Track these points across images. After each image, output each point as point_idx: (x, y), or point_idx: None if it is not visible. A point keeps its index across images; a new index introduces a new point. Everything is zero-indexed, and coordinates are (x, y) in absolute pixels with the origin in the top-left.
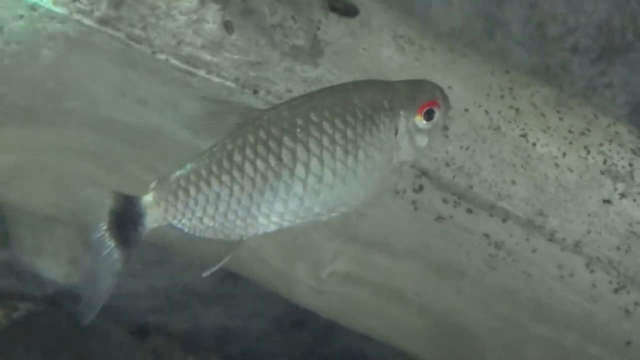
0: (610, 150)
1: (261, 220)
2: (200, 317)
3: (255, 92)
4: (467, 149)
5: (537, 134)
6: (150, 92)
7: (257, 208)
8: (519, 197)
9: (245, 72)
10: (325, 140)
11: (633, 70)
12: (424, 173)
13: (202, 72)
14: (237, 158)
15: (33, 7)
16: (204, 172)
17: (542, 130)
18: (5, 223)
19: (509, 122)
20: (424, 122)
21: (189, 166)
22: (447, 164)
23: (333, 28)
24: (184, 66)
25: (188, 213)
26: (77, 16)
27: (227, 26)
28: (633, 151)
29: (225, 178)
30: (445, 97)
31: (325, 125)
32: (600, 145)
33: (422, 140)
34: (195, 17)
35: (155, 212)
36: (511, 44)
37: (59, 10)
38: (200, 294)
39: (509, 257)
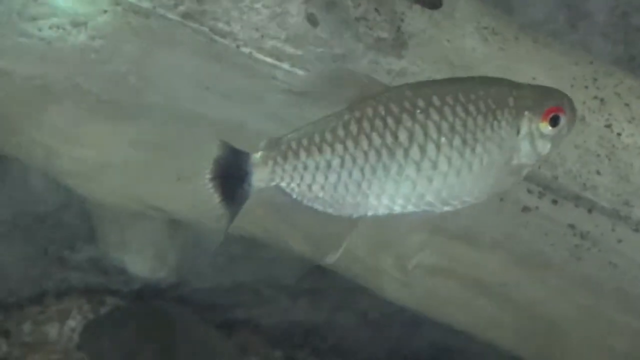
0: None
1: (372, 199)
2: (287, 311)
3: None
4: None
5: (622, 124)
6: (234, 86)
7: (368, 185)
8: (604, 188)
9: (329, 64)
10: (445, 126)
11: None
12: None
13: (286, 65)
14: (353, 129)
15: (117, 2)
16: (317, 138)
17: (627, 121)
18: (91, 219)
19: (594, 112)
20: (549, 127)
21: (302, 130)
22: None
23: (417, 20)
24: (268, 59)
25: (297, 177)
26: (161, 10)
27: (311, 19)
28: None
29: (338, 147)
30: (573, 108)
31: (447, 111)
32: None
33: (545, 147)
34: (278, 10)
35: (262, 171)
36: (594, 35)
37: (143, 4)
38: (287, 288)
39: (594, 247)
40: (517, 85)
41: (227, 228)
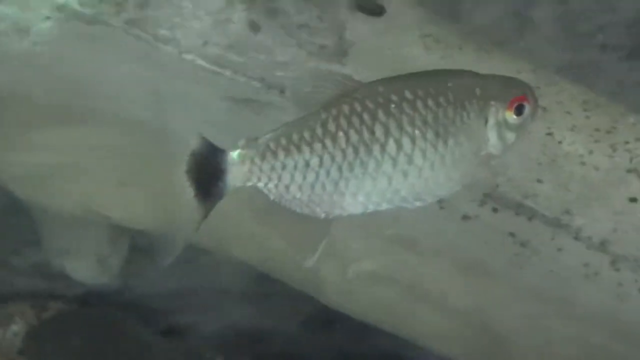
0: (637, 148)
1: (348, 198)
2: (232, 317)
3: (282, 91)
4: None
5: (563, 132)
6: (176, 92)
7: (346, 184)
8: (545, 196)
9: (271, 71)
10: (418, 120)
11: None
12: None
13: (228, 72)
14: (331, 127)
15: (60, 9)
16: (295, 137)
17: (569, 129)
18: (36, 224)
19: (536, 120)
20: (514, 116)
21: (280, 130)
22: None
23: (359, 28)
24: (211, 66)
25: (274, 177)
26: (103, 17)
27: (253, 26)
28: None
29: (316, 146)
30: (534, 96)
31: (419, 105)
32: (627, 143)
33: (510, 136)
34: (221, 17)
35: (238, 170)
36: (541, 42)
37: (86, 11)
38: (233, 293)
39: (534, 256)
40: (481, 76)
41: (198, 225)
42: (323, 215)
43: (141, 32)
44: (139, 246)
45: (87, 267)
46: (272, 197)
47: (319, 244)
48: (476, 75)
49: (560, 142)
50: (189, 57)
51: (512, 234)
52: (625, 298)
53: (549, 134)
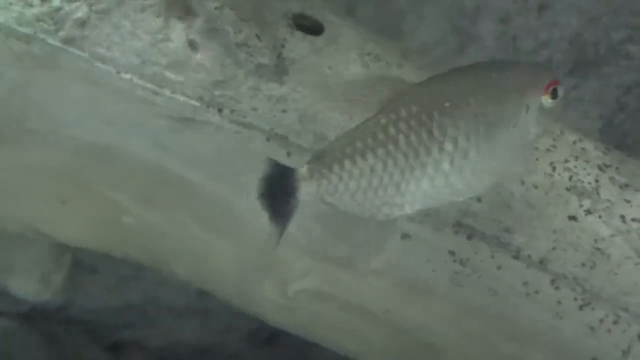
0: (576, 167)
1: (408, 198)
2: (176, 332)
3: (220, 110)
4: None
5: None
6: (115, 111)
7: (406, 185)
8: (484, 215)
9: (209, 90)
10: (470, 115)
11: (605, 84)
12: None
13: (166, 91)
14: (392, 131)
15: None
16: (359, 145)
17: None
18: None
19: None
20: (550, 100)
21: (343, 138)
22: None
23: (298, 46)
24: (149, 85)
25: (341, 187)
26: (42, 36)
27: (192, 45)
28: (599, 167)
29: (380, 151)
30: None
31: (470, 100)
32: (566, 161)
33: (546, 119)
34: (159, 36)
35: (309, 185)
36: (484, 58)
37: (24, 30)
38: (177, 309)
39: (474, 274)
40: (512, 65)
41: (276, 246)
42: (384, 217)
43: (79, 51)
44: (82, 262)
45: (30, 284)
46: (338, 206)
47: (383, 245)
48: (507, 64)
49: None
50: (127, 76)
51: (451, 252)
52: (564, 316)
53: None
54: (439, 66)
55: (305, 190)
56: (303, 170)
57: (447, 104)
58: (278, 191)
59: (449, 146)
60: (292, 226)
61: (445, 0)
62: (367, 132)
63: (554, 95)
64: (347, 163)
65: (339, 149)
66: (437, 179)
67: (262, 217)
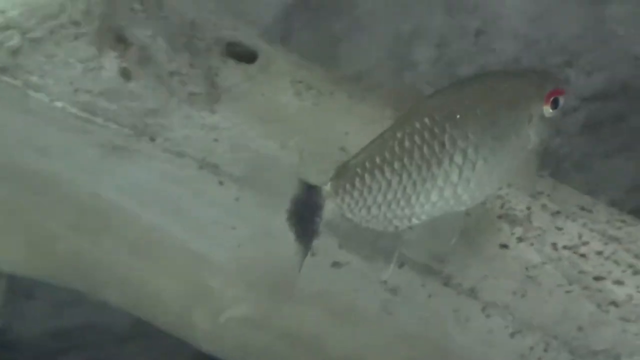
0: (508, 195)
1: (417, 210)
2: (116, 356)
3: (153, 139)
4: None
5: None
6: (48, 139)
7: (417, 197)
8: (415, 242)
9: (142, 119)
10: (479, 127)
11: None
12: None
13: (99, 120)
14: (407, 144)
15: None
16: (377, 159)
17: None
18: None
19: None
20: (550, 110)
21: (362, 154)
22: None
23: (231, 74)
24: (82, 114)
25: (362, 202)
26: None
27: (125, 73)
28: (531, 195)
29: (397, 165)
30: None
31: (479, 112)
32: (499, 189)
33: (546, 129)
34: (92, 65)
35: (333, 202)
36: (420, 84)
37: None
38: (117, 333)
39: (405, 302)
40: (516, 74)
41: (302, 265)
42: (394, 229)
43: (12, 79)
44: (17, 288)
45: None
46: (355, 221)
47: (393, 257)
48: (510, 73)
49: None
50: (59, 104)
51: (382, 281)
52: (495, 344)
53: None
54: (374, 92)
55: (330, 207)
56: (327, 187)
57: (457, 116)
58: (304, 210)
59: (458, 158)
60: (225, 254)
61: (381, 26)
62: (384, 145)
63: (555, 105)
64: (367, 177)
65: (359, 164)
66: (446, 190)
67: (195, 244)
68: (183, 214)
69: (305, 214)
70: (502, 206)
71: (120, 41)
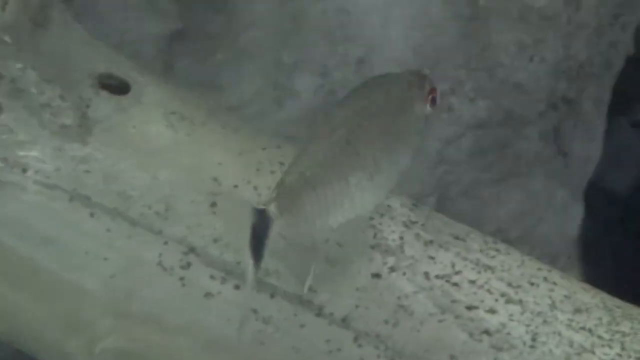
0: (381, 224)
1: (340, 218)
2: None
3: (24, 170)
4: (235, 224)
5: None
6: None
7: (341, 205)
8: (286, 273)
9: (13, 151)
10: (381, 131)
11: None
12: (191, 250)
13: None
14: (328, 156)
15: None
16: (308, 174)
17: None
18: None
19: None
20: (429, 108)
21: (293, 171)
22: (215, 240)
23: (103, 106)
24: None
25: (301, 219)
26: None
27: None
28: (404, 224)
29: (323, 178)
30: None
31: (379, 117)
32: (371, 219)
33: (427, 126)
34: None
35: (279, 222)
36: (301, 112)
37: None
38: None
39: (277, 332)
40: (402, 78)
41: (252, 285)
42: (318, 241)
43: None
44: None
45: None
46: (293, 238)
47: (310, 271)
48: (394, 75)
49: None
50: None
51: (254, 311)
52: None
53: None
54: (254, 121)
55: (276, 228)
56: (272, 207)
57: (366, 123)
58: (257, 234)
59: (370, 165)
60: (98, 285)
61: (263, 55)
62: (311, 160)
63: (433, 103)
64: (303, 194)
65: (295, 180)
66: (357, 196)
67: (69, 275)
68: (56, 245)
69: (254, 236)
70: (374, 236)
71: None
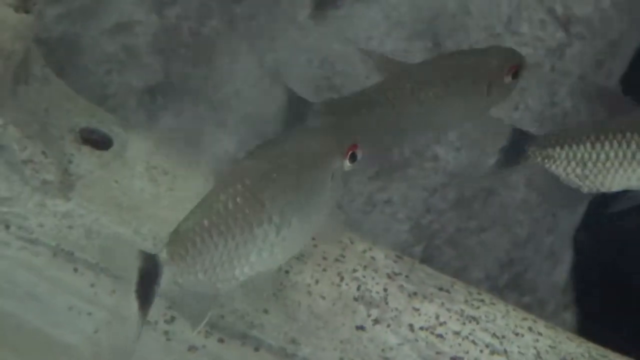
0: (364, 276)
1: (237, 270)
2: None
3: (7, 227)
4: None
5: (291, 261)
6: None
7: (239, 258)
8: (271, 326)
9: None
10: (292, 185)
11: (411, 186)
12: (174, 303)
13: None
14: (231, 206)
15: None
16: (206, 223)
17: (296, 258)
18: None
19: None
20: (349, 164)
21: (191, 218)
22: None
23: (85, 161)
24: None
25: (193, 266)
26: None
27: None
28: (388, 276)
29: (222, 227)
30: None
31: (291, 170)
32: (355, 271)
33: (344, 182)
34: None
35: (170, 268)
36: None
37: None
38: None
39: None
40: (318, 130)
41: (139, 333)
42: (212, 292)
43: None
44: None
45: None
46: (187, 286)
47: (206, 315)
48: (314, 131)
49: (287, 272)
50: None
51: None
52: None
53: None
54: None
55: (167, 274)
56: (163, 254)
57: (274, 175)
58: (142, 278)
59: (276, 217)
60: (82, 340)
61: (246, 107)
62: (210, 208)
63: (353, 158)
64: (198, 241)
65: (190, 229)
66: (265, 250)
67: (53, 330)
68: (39, 301)
69: (144, 282)
70: (358, 288)
71: None
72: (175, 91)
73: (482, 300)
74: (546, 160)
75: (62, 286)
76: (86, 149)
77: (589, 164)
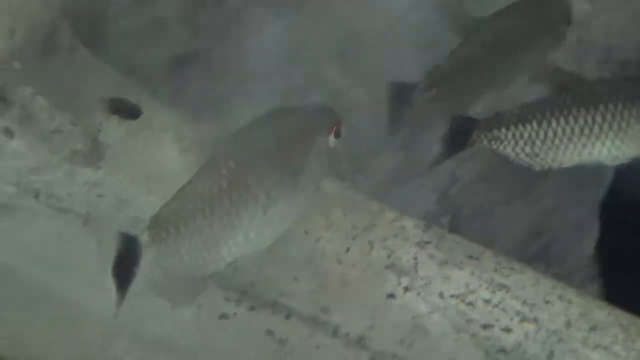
0: (394, 245)
1: (225, 252)
2: None
3: (37, 196)
4: None
5: (320, 230)
6: None
7: (229, 239)
8: (301, 294)
9: (25, 176)
10: (277, 165)
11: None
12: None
13: None
14: (215, 189)
15: None
16: (190, 206)
17: (325, 227)
18: None
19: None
20: (334, 139)
21: (176, 202)
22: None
23: (114, 130)
24: None
25: (177, 249)
26: None
27: (7, 132)
28: (418, 244)
29: (207, 211)
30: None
31: (276, 151)
32: (385, 239)
33: (330, 160)
34: None
35: (150, 251)
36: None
37: None
38: None
39: (292, 353)
40: (301, 112)
41: (118, 311)
42: (205, 273)
43: None
44: None
45: None
46: (171, 269)
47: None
48: (296, 110)
49: (317, 240)
50: None
51: (269, 332)
52: None
53: (306, 232)
54: None
55: (147, 256)
56: (144, 236)
57: (258, 157)
58: (122, 260)
59: (262, 198)
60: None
61: (274, 79)
62: (195, 192)
63: (337, 134)
64: (182, 225)
65: (173, 212)
66: (252, 230)
67: (83, 300)
68: (70, 270)
69: (124, 264)
70: (388, 256)
71: (2, 100)
72: (203, 62)
73: (512, 268)
74: (493, 142)
75: (93, 254)
76: (115, 118)
77: (537, 142)
